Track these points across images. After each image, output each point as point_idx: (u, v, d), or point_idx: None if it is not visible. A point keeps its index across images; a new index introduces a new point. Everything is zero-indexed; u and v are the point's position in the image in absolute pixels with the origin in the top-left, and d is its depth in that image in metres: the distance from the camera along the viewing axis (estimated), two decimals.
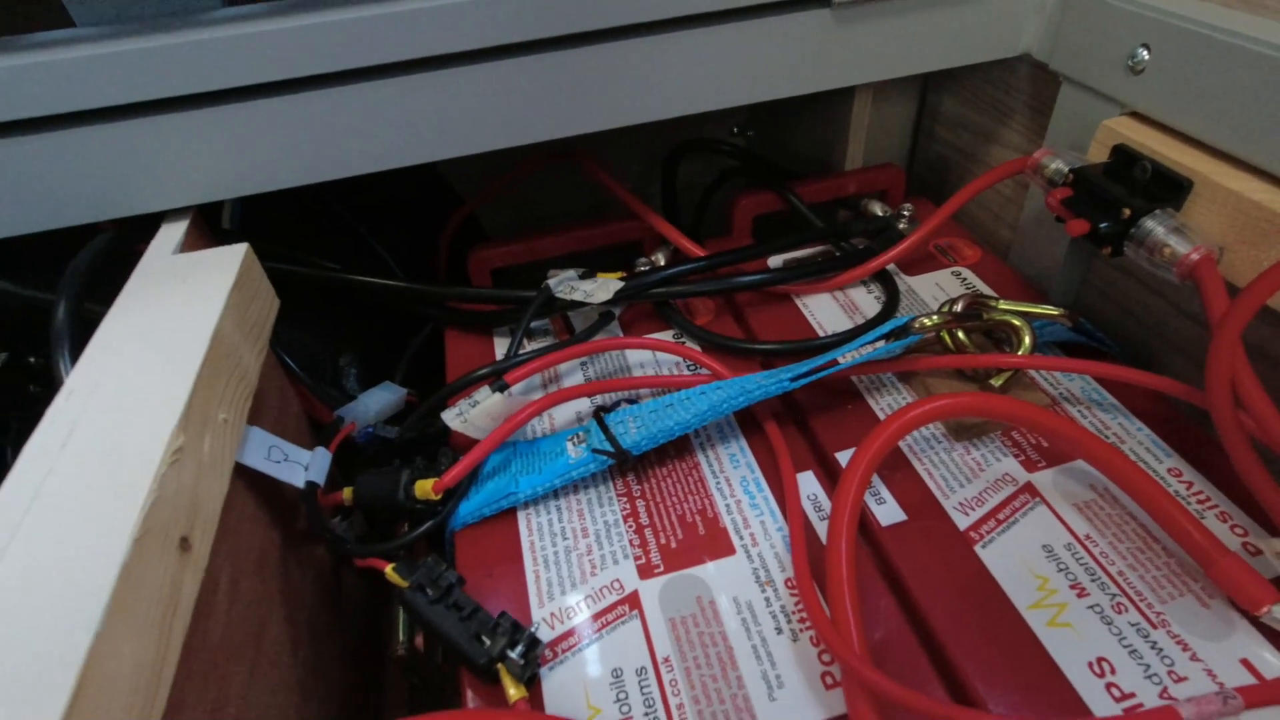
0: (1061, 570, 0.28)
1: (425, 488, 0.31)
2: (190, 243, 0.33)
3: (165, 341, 0.26)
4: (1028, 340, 0.33)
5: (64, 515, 0.20)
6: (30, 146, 0.30)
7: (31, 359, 0.33)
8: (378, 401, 0.40)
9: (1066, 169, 0.34)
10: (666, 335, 0.41)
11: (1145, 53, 0.32)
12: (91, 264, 0.30)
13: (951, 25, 0.37)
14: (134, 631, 0.19)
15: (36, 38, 0.30)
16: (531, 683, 0.26)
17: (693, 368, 0.38)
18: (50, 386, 0.34)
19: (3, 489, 0.21)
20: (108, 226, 0.34)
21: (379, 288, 0.39)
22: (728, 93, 0.37)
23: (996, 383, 0.33)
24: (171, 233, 0.33)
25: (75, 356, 0.28)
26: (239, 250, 0.31)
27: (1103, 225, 0.32)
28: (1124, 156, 0.33)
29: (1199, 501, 0.30)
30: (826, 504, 0.32)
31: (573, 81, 0.34)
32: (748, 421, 0.36)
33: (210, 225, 0.37)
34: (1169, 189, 0.31)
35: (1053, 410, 0.33)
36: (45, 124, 0.30)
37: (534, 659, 0.25)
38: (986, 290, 0.41)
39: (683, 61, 0.35)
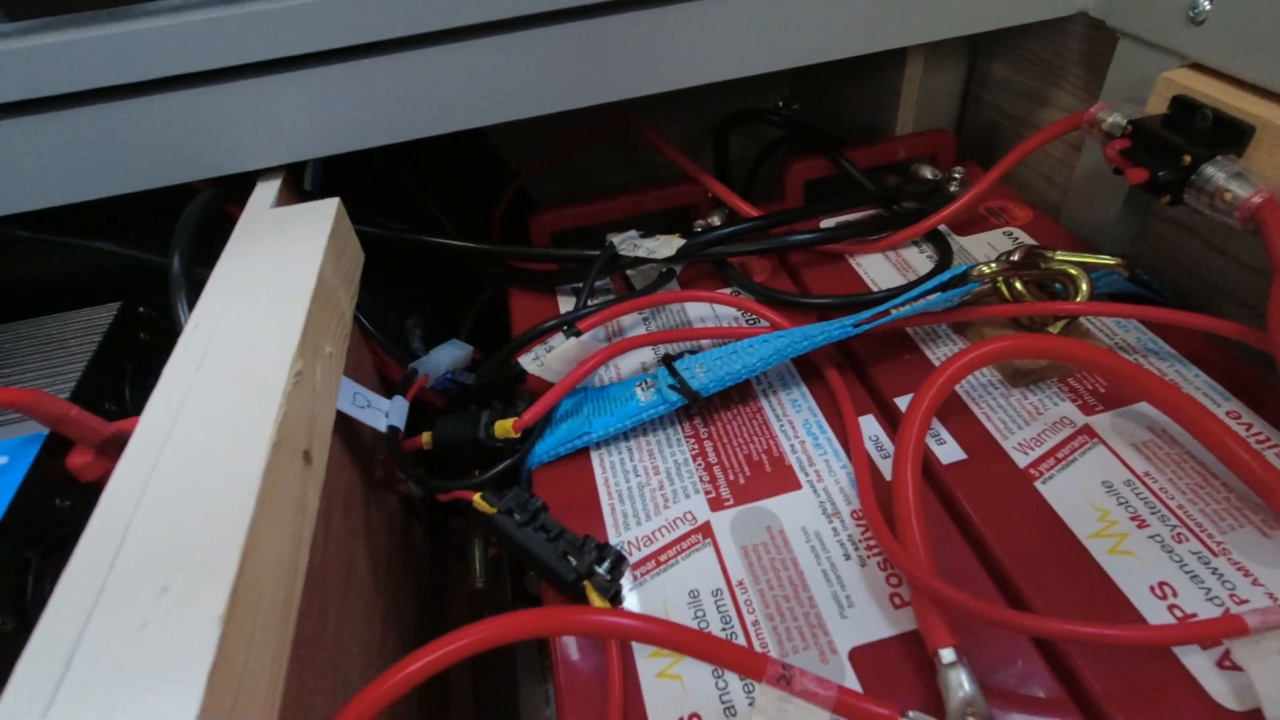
0: (1121, 504, 0.29)
1: (505, 427, 0.33)
2: (283, 200, 0.35)
3: (275, 281, 0.28)
4: (1085, 287, 0.34)
5: (207, 424, 0.23)
6: (140, 108, 0.32)
7: (141, 310, 0.36)
8: (448, 356, 0.42)
9: (1125, 121, 0.35)
10: (724, 292, 0.42)
11: (1207, 3, 0.33)
12: (200, 218, 0.32)
13: None
14: (275, 527, 0.21)
15: (147, 6, 0.32)
16: (615, 600, 0.28)
17: (752, 321, 0.40)
18: (156, 335, 0.37)
19: (150, 403, 0.23)
20: (202, 187, 0.37)
21: (452, 248, 0.41)
22: (782, 55, 0.38)
23: (1054, 330, 0.34)
24: (266, 190, 0.35)
25: (191, 302, 0.30)
26: (332, 204, 0.33)
27: (1161, 173, 0.32)
28: (1183, 106, 0.33)
29: (1258, 442, 0.30)
30: (887, 444, 0.33)
31: (629, 45, 0.35)
32: (807, 370, 0.37)
33: (295, 187, 0.39)
34: (1230, 136, 0.32)
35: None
36: (155, 86, 0.32)
37: (620, 575, 0.27)
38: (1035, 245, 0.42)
39: (738, 23, 0.36)
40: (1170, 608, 0.26)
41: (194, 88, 0.32)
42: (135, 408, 0.34)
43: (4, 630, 0.24)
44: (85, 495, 0.29)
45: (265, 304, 0.27)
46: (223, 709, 0.16)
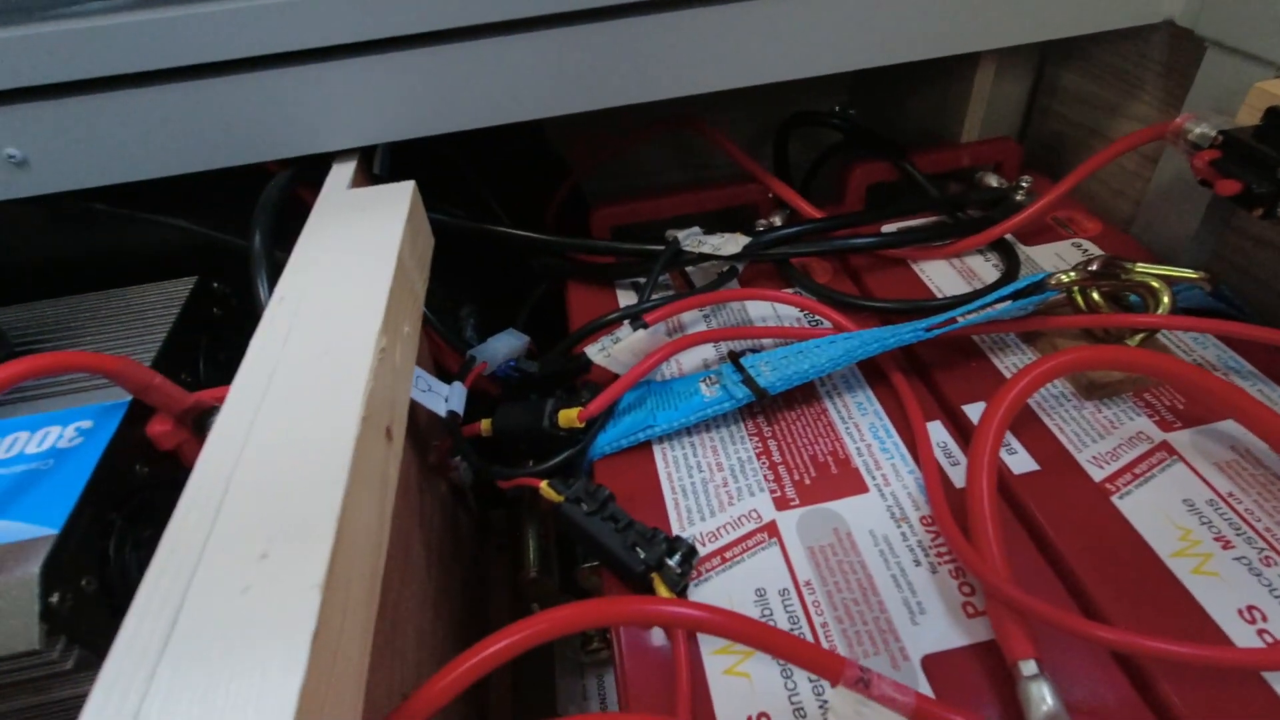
0: (1205, 523, 0.28)
1: (570, 416, 0.33)
2: (357, 182, 0.36)
3: (357, 259, 0.29)
4: (1166, 300, 0.33)
5: (296, 397, 0.23)
6: (224, 87, 0.33)
7: (215, 285, 0.36)
8: (505, 345, 0.42)
9: (1214, 131, 0.34)
10: (788, 292, 0.42)
11: None
12: (280, 198, 0.33)
13: None
14: (364, 500, 0.21)
15: None
16: (682, 595, 0.28)
17: (814, 322, 0.39)
18: (228, 311, 0.37)
19: (239, 375, 0.24)
20: (276, 168, 0.37)
21: (516, 238, 0.41)
22: (855, 54, 0.38)
23: (1132, 343, 0.33)
24: (343, 171, 0.35)
25: (270, 279, 0.31)
26: (408, 187, 0.33)
27: (1255, 186, 0.31)
28: (1278, 118, 0.32)
29: None
30: (956, 452, 0.32)
31: (693, 41, 0.35)
32: (872, 373, 0.36)
33: (366, 170, 0.39)
34: None
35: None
36: (238, 66, 0.32)
37: (689, 569, 0.27)
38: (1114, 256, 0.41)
39: (814, 21, 0.36)
40: (1260, 632, 0.25)
41: (276, 68, 0.33)
42: (208, 380, 0.35)
43: (88, 590, 0.24)
44: (162, 462, 0.29)
45: (348, 282, 0.27)
46: (323, 674, 0.16)
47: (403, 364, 0.27)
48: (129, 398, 0.28)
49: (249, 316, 0.27)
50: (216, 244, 0.40)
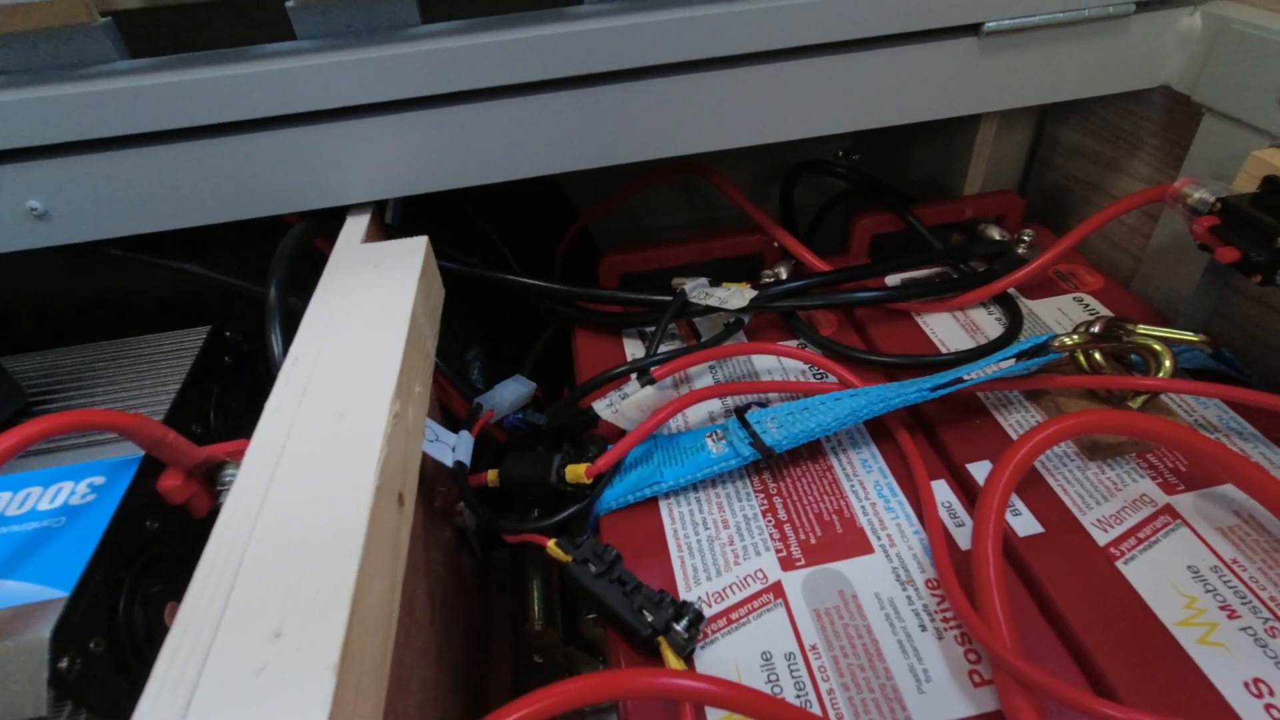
0: (1210, 591, 0.28)
1: (578, 471, 0.33)
2: (370, 235, 0.36)
3: (371, 318, 0.29)
4: (1168, 363, 0.34)
5: (311, 464, 0.23)
6: (245, 145, 0.33)
7: (227, 333, 0.37)
8: (511, 393, 0.42)
9: (1213, 198, 0.34)
10: (792, 345, 0.42)
11: None
12: (295, 250, 0.33)
13: (1093, 55, 0.38)
14: (377, 573, 0.21)
15: (258, 49, 0.34)
16: (688, 659, 0.28)
17: (820, 376, 0.40)
18: (240, 360, 0.38)
19: (256, 436, 0.24)
20: (292, 220, 0.38)
21: (525, 286, 0.42)
22: (866, 114, 0.38)
23: (1134, 405, 0.34)
24: (357, 225, 0.36)
25: (285, 332, 0.31)
26: (421, 242, 0.34)
27: (1254, 254, 0.32)
28: (1275, 186, 0.33)
29: None
30: (961, 512, 0.32)
31: (701, 102, 0.36)
32: (877, 430, 0.37)
33: (379, 221, 0.40)
34: None
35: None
36: (262, 124, 0.33)
37: (697, 634, 0.27)
38: (1116, 316, 0.42)
39: (827, 84, 0.37)
40: (1267, 707, 0.25)
41: (298, 126, 0.33)
42: (219, 431, 0.35)
43: (97, 652, 0.24)
44: (170, 518, 0.29)
45: (362, 341, 0.28)
46: None
47: (415, 424, 0.28)
48: (142, 452, 0.28)
49: (259, 363, 0.28)
50: (229, 289, 0.40)
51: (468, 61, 0.33)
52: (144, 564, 0.27)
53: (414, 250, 0.33)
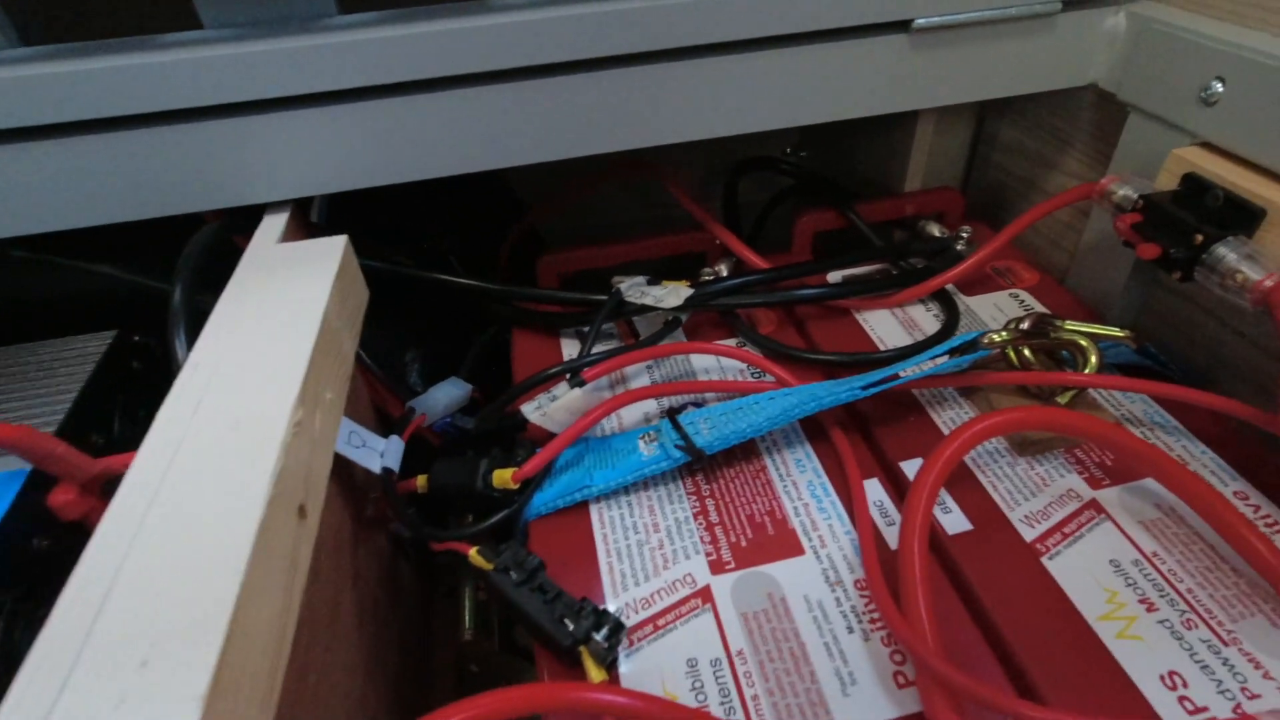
0: (1130, 585, 0.29)
1: (504, 477, 0.32)
2: (290, 234, 0.35)
3: (279, 322, 0.28)
4: (1094, 359, 0.34)
5: (200, 477, 0.22)
6: (154, 138, 0.32)
7: (136, 338, 0.35)
8: (446, 395, 0.41)
9: (1136, 195, 0.35)
10: (730, 344, 0.42)
11: (1220, 85, 0.33)
12: (204, 251, 0.32)
13: (1022, 54, 0.38)
14: (264, 591, 0.20)
15: (165, 38, 0.32)
16: (611, 667, 0.27)
17: (758, 375, 0.39)
18: (151, 364, 0.36)
19: (141, 450, 0.23)
20: (211, 218, 0.36)
21: (459, 286, 0.41)
22: (801, 111, 0.38)
23: (1062, 400, 0.34)
24: (274, 224, 0.34)
25: (190, 336, 0.29)
26: (339, 242, 0.33)
27: (1173, 250, 0.32)
28: (1194, 184, 0.34)
29: (1266, 525, 0.30)
30: (892, 510, 0.32)
31: (645, 96, 0.35)
32: (812, 429, 0.36)
33: (303, 219, 0.39)
34: (1241, 217, 0.32)
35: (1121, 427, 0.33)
36: (170, 117, 0.32)
37: (617, 643, 0.26)
38: (1046, 312, 0.42)
39: (761, 79, 0.37)
40: (1181, 699, 0.25)
41: (208, 120, 0.32)
42: (123, 439, 0.33)
43: None
44: (62, 535, 0.28)
45: (266, 348, 0.26)
46: None
47: (323, 433, 0.26)
48: (28, 466, 0.27)
49: (171, 370, 0.26)
50: (144, 290, 0.39)
51: (387, 54, 0.32)
52: (29, 586, 0.25)
53: (331, 250, 0.32)
